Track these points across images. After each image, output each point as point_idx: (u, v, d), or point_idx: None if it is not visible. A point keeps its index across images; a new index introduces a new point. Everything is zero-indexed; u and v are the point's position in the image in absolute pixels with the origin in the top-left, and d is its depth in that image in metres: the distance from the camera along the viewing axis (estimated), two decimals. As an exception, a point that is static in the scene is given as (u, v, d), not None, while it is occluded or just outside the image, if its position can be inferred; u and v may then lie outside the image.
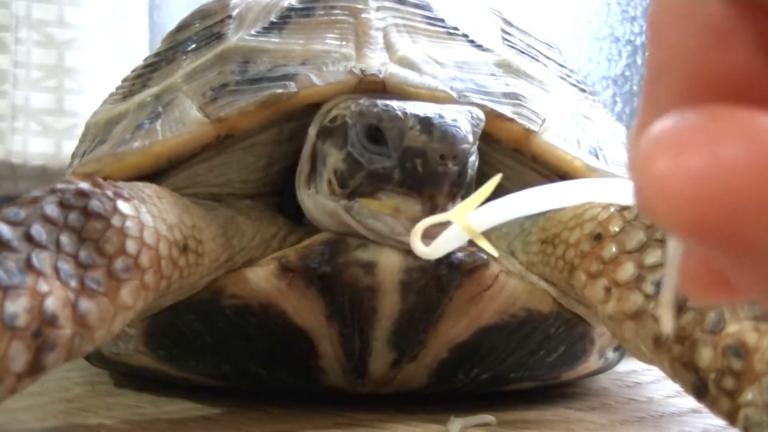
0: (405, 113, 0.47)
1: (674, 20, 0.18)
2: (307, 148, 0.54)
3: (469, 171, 0.48)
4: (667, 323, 0.20)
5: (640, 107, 0.19)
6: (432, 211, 0.46)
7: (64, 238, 0.41)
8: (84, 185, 0.44)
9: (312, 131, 0.53)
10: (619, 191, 0.26)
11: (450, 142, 0.45)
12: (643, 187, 0.16)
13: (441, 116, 0.46)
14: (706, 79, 0.17)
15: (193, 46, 0.62)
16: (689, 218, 0.16)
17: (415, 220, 0.45)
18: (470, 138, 0.47)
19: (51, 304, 0.39)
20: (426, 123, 0.46)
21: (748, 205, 0.15)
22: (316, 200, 0.52)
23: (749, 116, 0.16)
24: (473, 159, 0.49)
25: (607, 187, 0.26)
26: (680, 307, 0.42)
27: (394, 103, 0.48)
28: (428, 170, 0.46)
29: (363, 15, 0.59)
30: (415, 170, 0.46)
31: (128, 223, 0.44)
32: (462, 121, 0.47)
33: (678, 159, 0.16)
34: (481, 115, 0.50)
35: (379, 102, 0.48)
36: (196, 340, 0.54)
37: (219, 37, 0.61)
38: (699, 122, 0.16)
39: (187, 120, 0.54)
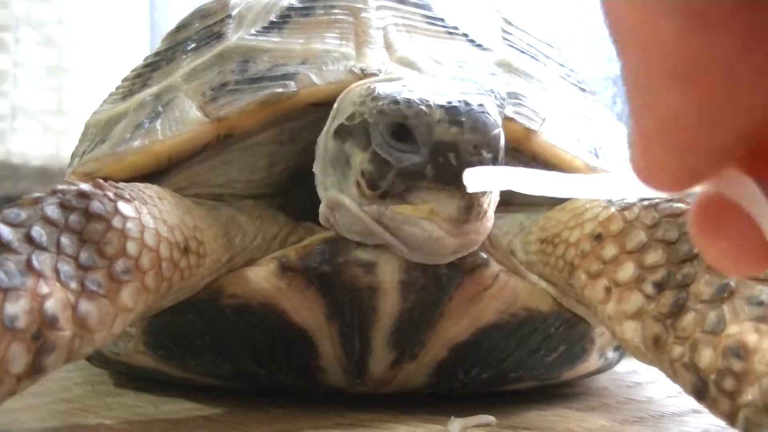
0: (430, 106, 0.44)
1: (644, 14, 0.18)
2: (319, 148, 0.51)
3: (501, 153, 0.45)
4: None
5: (632, 113, 0.19)
6: (469, 205, 0.44)
7: (65, 240, 0.41)
8: (85, 186, 0.44)
9: (326, 129, 0.51)
10: (621, 186, 0.26)
11: (482, 131, 0.43)
12: None
13: (467, 103, 0.43)
14: (689, 67, 0.18)
15: (193, 45, 0.62)
16: None
17: (452, 221, 0.45)
18: (499, 121, 0.44)
19: (51, 305, 0.39)
20: (454, 114, 0.43)
21: None
22: (341, 204, 0.48)
23: None
24: (502, 140, 0.45)
25: (611, 182, 0.27)
26: (681, 308, 0.42)
27: (416, 95, 0.45)
28: (463, 163, 0.42)
29: (363, 14, 0.59)
30: (449, 164, 0.43)
31: (129, 225, 0.44)
32: (489, 104, 0.44)
33: None
34: (502, 92, 0.46)
35: (400, 97, 0.45)
36: (196, 339, 0.54)
37: (219, 36, 0.61)
38: None
39: (187, 119, 0.54)
